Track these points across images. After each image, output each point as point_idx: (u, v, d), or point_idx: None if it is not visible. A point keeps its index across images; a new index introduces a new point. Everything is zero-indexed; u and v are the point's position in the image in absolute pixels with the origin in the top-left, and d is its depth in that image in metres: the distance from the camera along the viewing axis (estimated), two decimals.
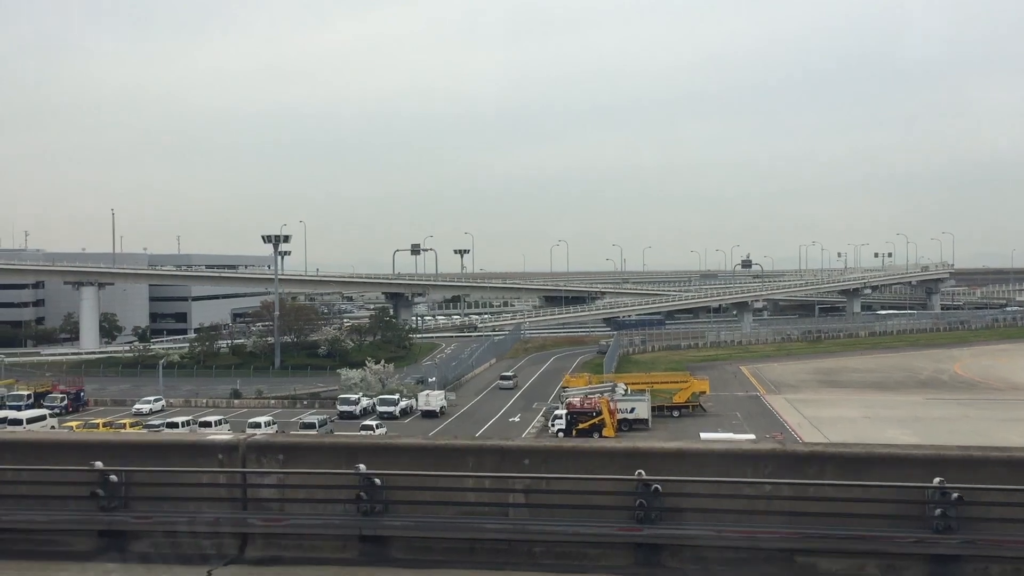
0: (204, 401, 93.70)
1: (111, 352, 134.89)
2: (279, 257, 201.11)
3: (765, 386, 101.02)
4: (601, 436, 69.49)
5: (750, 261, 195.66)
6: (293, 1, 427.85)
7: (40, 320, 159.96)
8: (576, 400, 76.50)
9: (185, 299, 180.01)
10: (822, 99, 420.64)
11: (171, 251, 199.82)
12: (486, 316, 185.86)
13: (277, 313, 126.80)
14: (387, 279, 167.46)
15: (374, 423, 75.65)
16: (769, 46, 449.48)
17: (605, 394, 78.11)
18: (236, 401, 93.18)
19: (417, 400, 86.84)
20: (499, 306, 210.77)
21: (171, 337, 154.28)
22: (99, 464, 8.58)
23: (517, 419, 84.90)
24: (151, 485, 8.70)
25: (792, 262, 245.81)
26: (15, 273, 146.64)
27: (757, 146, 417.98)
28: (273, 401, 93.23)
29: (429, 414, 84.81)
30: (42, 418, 77.02)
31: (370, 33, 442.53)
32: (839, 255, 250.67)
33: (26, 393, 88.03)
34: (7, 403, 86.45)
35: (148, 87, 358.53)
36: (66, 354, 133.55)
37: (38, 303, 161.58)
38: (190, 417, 77.57)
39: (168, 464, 8.81)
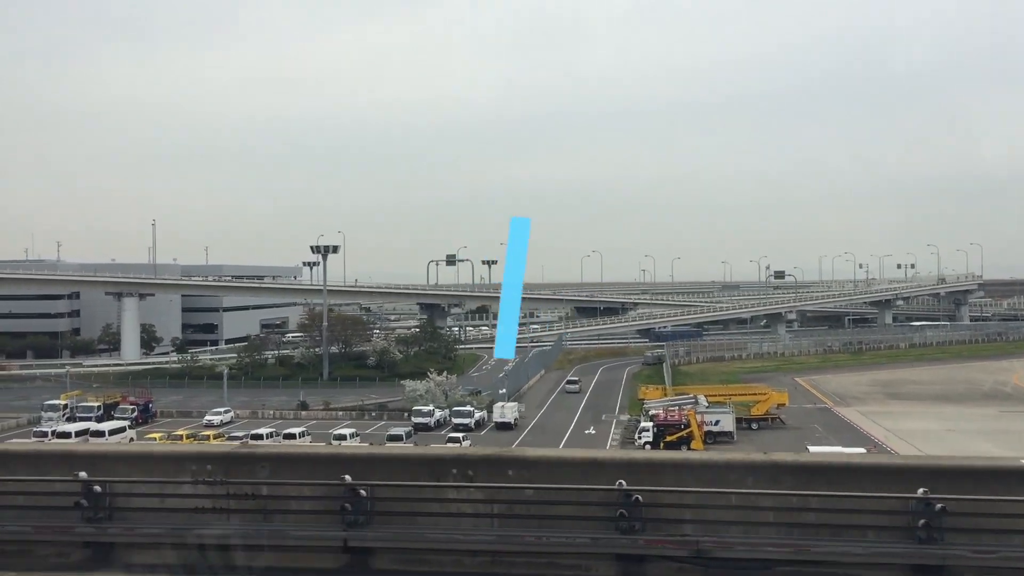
0: (271, 412, 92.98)
1: (156, 363, 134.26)
2: (310, 268, 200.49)
3: (830, 398, 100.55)
4: (689, 449, 69.06)
5: (783, 272, 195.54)
6: (298, 10, 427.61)
7: (76, 331, 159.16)
8: (662, 412, 76.06)
9: (216, 310, 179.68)
10: (843, 109, 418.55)
11: (199, 262, 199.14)
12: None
13: (326, 324, 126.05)
14: (424, 289, 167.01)
15: (460, 435, 75.17)
16: (778, 53, 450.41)
17: (689, 406, 77.57)
18: (303, 412, 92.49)
19: (492, 412, 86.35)
20: (524, 317, 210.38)
21: (211, 347, 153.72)
22: (923, 493, 8.17)
23: (592, 431, 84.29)
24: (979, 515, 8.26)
25: (813, 273, 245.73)
26: (57, 283, 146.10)
27: (781, 157, 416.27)
28: (341, 412, 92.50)
29: (504, 426, 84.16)
30: (122, 430, 76.50)
31: (374, 44, 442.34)
32: (860, 266, 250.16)
33: (96, 404, 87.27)
34: (77, 414, 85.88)
35: (145, 97, 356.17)
36: (111, 365, 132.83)
37: (73, 314, 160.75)
38: (272, 428, 76.91)
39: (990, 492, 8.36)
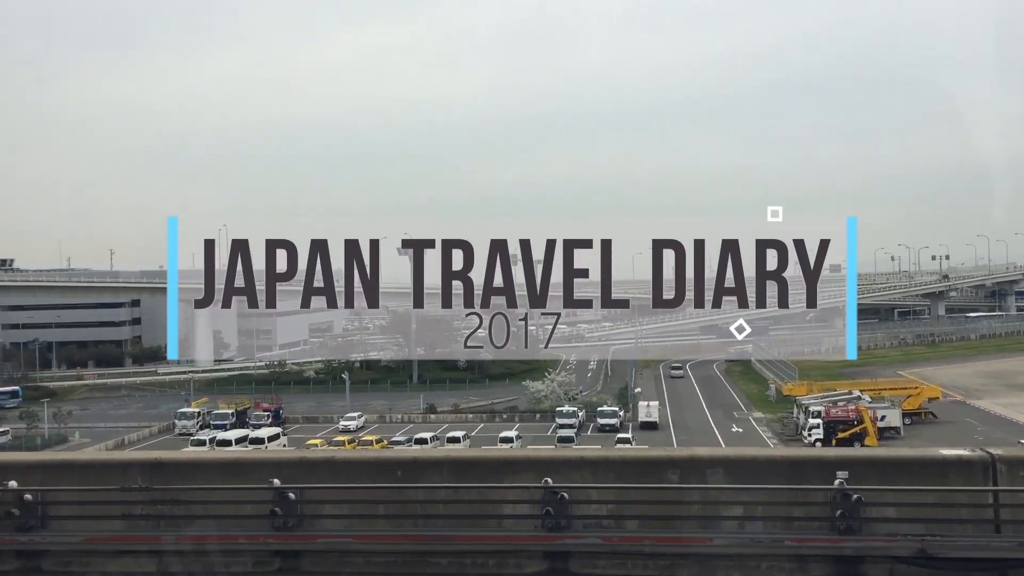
0: (399, 416, 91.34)
1: (233, 368, 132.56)
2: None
3: (951, 391, 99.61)
4: (863, 446, 68.00)
5: (839, 266, 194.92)
6: (298, 11, 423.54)
7: (137, 339, 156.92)
8: (833, 409, 74.85)
9: (269, 315, 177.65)
10: (876, 101, 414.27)
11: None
12: (563, 327, 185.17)
13: (415, 326, 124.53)
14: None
15: (629, 436, 74.08)
16: (779, 47, 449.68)
17: (854, 402, 76.44)
18: (432, 416, 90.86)
19: (638, 411, 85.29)
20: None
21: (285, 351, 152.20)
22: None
23: (739, 429, 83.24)
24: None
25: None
26: (129, 291, 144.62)
27: (811, 149, 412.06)
28: (471, 415, 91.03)
29: (649, 425, 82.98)
30: (277, 436, 74.94)
31: (374, 44, 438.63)
32: (892, 259, 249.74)
33: (229, 411, 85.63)
34: (212, 421, 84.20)
35: (142, 99, 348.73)
36: (188, 372, 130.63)
37: (134, 322, 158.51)
38: (434, 433, 75.31)
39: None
